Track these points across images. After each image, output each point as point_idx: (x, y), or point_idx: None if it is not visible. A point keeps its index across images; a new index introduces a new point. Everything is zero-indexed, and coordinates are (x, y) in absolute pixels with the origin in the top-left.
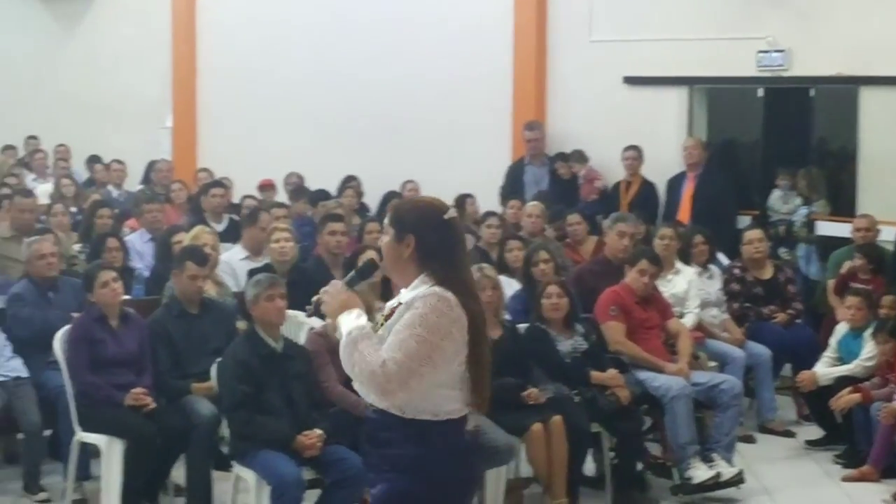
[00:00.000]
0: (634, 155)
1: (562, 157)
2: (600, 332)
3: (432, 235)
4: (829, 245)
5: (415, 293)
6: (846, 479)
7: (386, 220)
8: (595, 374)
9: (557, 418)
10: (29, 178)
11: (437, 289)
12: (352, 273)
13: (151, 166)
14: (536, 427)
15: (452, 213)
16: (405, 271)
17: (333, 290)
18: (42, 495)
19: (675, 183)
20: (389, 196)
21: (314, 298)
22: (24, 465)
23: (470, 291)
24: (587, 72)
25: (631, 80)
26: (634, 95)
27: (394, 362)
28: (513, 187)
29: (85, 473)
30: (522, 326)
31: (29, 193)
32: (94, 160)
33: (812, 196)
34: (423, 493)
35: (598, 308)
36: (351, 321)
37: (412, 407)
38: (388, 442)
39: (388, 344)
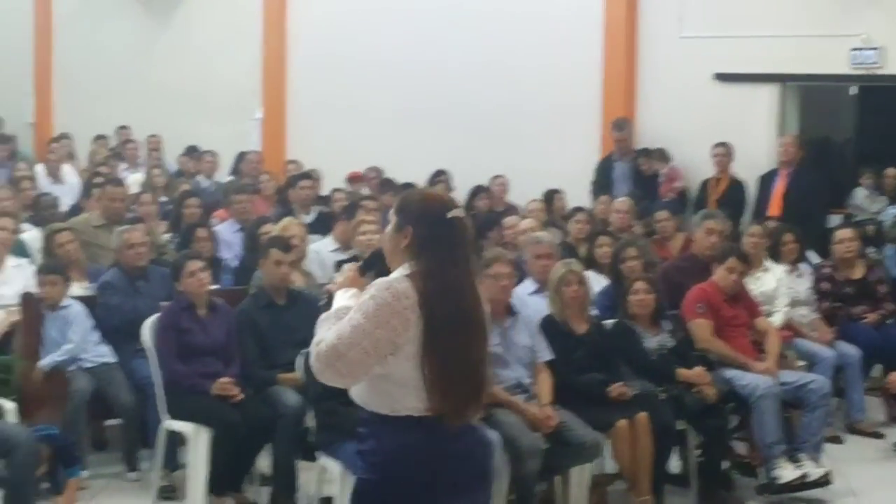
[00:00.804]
0: (724, 152)
1: (645, 153)
2: (687, 329)
3: (430, 231)
4: None
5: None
6: None
7: (392, 209)
8: (681, 372)
9: (643, 415)
10: (120, 168)
11: (394, 278)
12: (364, 260)
13: (241, 157)
14: (622, 423)
15: (458, 212)
16: (400, 262)
17: (344, 273)
18: (133, 475)
19: (767, 180)
20: (477, 190)
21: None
22: (123, 444)
23: (450, 293)
24: (677, 68)
25: (722, 77)
26: (725, 92)
27: (325, 343)
28: (602, 183)
29: (173, 461)
30: (609, 322)
31: (120, 183)
32: (190, 151)
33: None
34: (379, 489)
35: (686, 305)
36: (339, 300)
37: (369, 399)
38: (361, 436)
39: (334, 327)
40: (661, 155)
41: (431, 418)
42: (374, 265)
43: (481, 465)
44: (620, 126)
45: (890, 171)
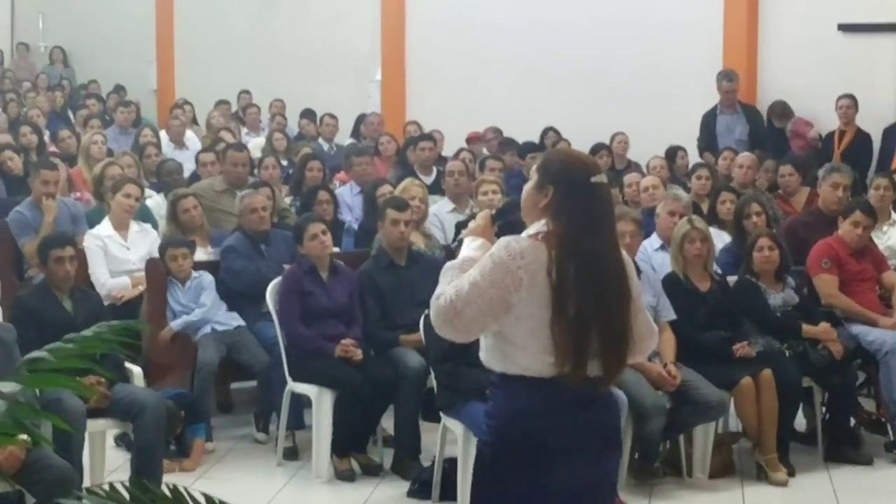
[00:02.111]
0: (848, 104)
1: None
2: (812, 285)
3: (571, 194)
4: None
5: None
6: None
7: (535, 165)
8: (807, 328)
9: (767, 372)
10: (242, 133)
11: (516, 238)
12: (498, 209)
13: (361, 119)
14: (746, 381)
15: (601, 177)
16: (535, 218)
17: (477, 220)
18: (262, 436)
19: (892, 132)
20: (597, 148)
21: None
22: (257, 406)
23: (585, 258)
24: (800, 19)
25: (846, 28)
26: (849, 43)
27: (444, 298)
28: (707, 138)
29: (298, 422)
30: (732, 279)
31: (242, 147)
32: (307, 114)
33: None
34: (496, 451)
35: (811, 260)
36: (465, 249)
37: (488, 357)
38: (487, 398)
39: (455, 281)
40: (782, 110)
41: (551, 381)
42: (506, 215)
43: (609, 433)
44: (729, 77)
45: None
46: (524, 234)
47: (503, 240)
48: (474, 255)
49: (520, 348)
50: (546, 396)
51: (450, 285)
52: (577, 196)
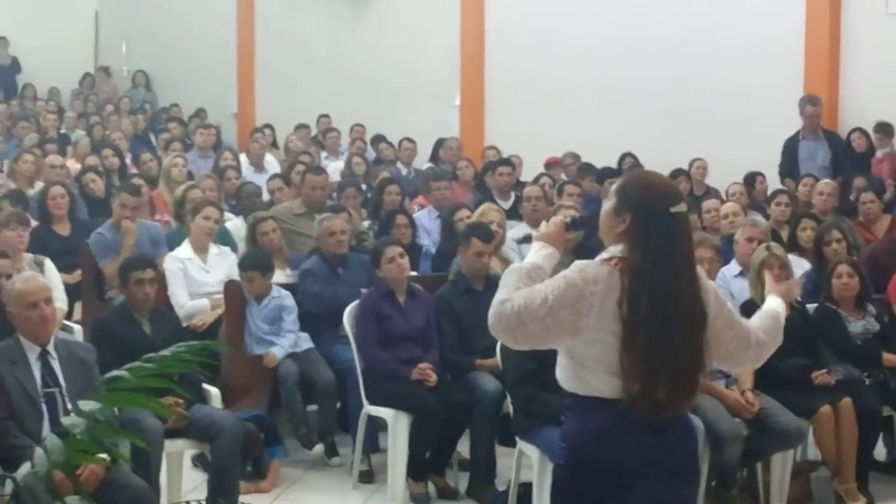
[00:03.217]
0: None
1: (856, 130)
2: (893, 313)
3: (649, 223)
4: None
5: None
6: None
7: (614, 186)
8: (887, 357)
9: (847, 400)
10: (322, 156)
11: (593, 262)
12: (575, 219)
13: (440, 144)
14: (825, 409)
15: (682, 206)
16: (612, 241)
17: (549, 225)
18: (336, 460)
19: None
20: (676, 174)
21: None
22: (320, 421)
23: (659, 289)
24: (883, 45)
25: None
26: None
27: (511, 305)
28: (789, 163)
29: (373, 446)
30: (812, 307)
31: (320, 171)
32: (378, 139)
33: None
34: (570, 473)
35: (892, 288)
36: (533, 254)
37: (562, 377)
38: (563, 420)
39: (524, 289)
40: (887, 129)
41: (624, 403)
42: (580, 228)
43: (684, 458)
44: (813, 101)
45: None
46: (599, 257)
47: (578, 263)
48: (542, 262)
49: (589, 370)
50: (617, 417)
51: (518, 293)
52: (656, 226)
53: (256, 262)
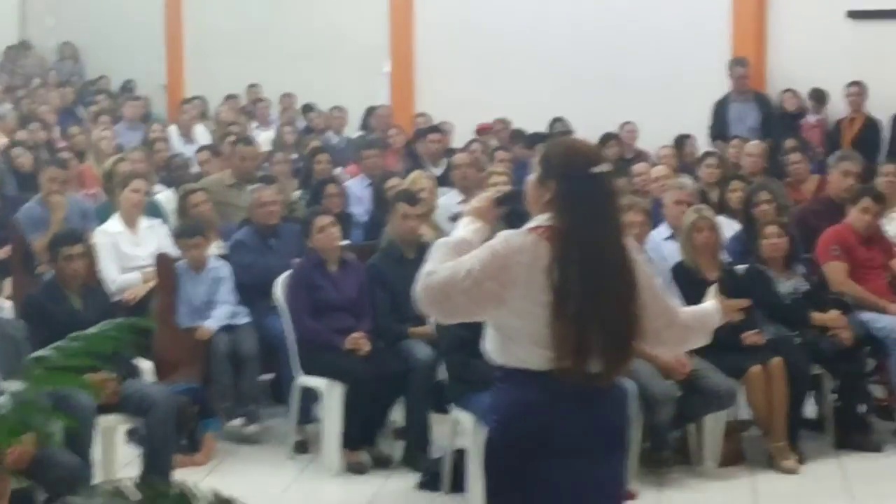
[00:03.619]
0: (857, 91)
1: (788, 90)
2: (822, 272)
3: (573, 187)
4: None
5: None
6: None
7: (537, 157)
8: (816, 316)
9: (777, 360)
10: (251, 126)
11: (519, 231)
12: (503, 192)
13: (370, 112)
14: (756, 369)
15: (604, 166)
16: (539, 212)
17: (479, 201)
18: (252, 427)
19: None
20: (606, 137)
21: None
22: (240, 387)
23: (588, 253)
24: (809, 7)
25: (855, 14)
26: (858, 29)
27: (437, 278)
28: (719, 125)
29: (308, 416)
30: (742, 267)
31: (250, 142)
32: (312, 108)
33: None
34: (499, 444)
35: (820, 248)
36: (461, 229)
37: (490, 348)
38: (491, 391)
39: (450, 262)
40: (820, 96)
41: (552, 374)
42: (510, 202)
43: (613, 431)
44: (741, 63)
45: None
46: (526, 226)
47: (504, 233)
48: (470, 236)
49: (517, 342)
50: (545, 389)
51: (443, 266)
52: (579, 189)
53: (199, 228)
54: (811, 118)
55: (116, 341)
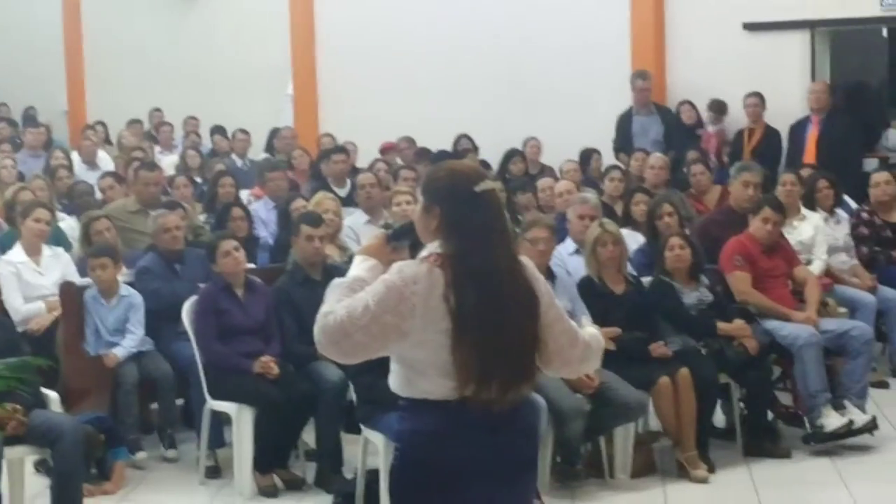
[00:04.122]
0: (756, 102)
1: (685, 102)
2: (726, 282)
3: (458, 210)
4: None
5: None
6: None
7: (420, 186)
8: (722, 325)
9: (685, 371)
10: (155, 151)
11: (410, 262)
12: (394, 230)
13: (274, 134)
14: (664, 381)
15: (487, 185)
16: (431, 241)
17: (371, 239)
18: (172, 453)
19: (799, 128)
20: (511, 154)
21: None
22: (159, 414)
23: (482, 276)
24: (706, 19)
25: (751, 27)
26: (755, 41)
27: (334, 318)
28: (623, 139)
29: (218, 441)
30: (648, 280)
31: (154, 167)
32: (216, 131)
33: None
34: (404, 474)
35: (723, 258)
36: (355, 268)
37: (392, 380)
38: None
39: (346, 300)
40: (719, 107)
41: (456, 403)
42: (403, 237)
43: (520, 456)
44: (643, 76)
45: None
46: (419, 256)
47: (397, 264)
48: (364, 275)
49: (419, 373)
50: (450, 419)
51: (340, 305)
52: (464, 211)
53: (106, 249)
54: (711, 128)
55: (7, 381)
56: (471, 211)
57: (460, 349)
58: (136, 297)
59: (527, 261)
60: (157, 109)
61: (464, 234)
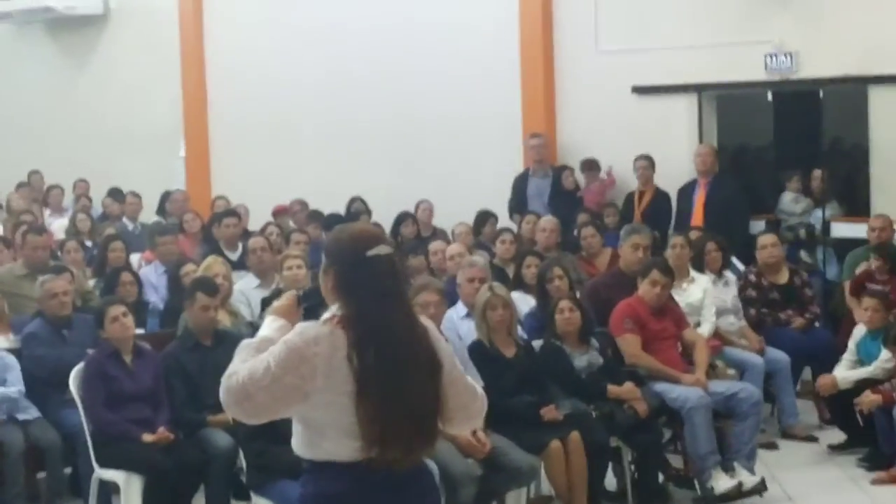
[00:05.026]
0: (646, 164)
1: (565, 168)
2: (616, 345)
3: (352, 272)
4: (846, 247)
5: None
6: (875, 481)
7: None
8: (612, 388)
9: (575, 434)
10: (46, 214)
11: (313, 324)
12: (305, 291)
13: (166, 197)
14: (555, 444)
15: (380, 249)
16: (332, 302)
17: (282, 300)
18: None
19: (687, 191)
20: (402, 217)
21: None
22: (47, 484)
23: (378, 337)
24: (595, 82)
25: (639, 90)
26: (644, 104)
27: (237, 379)
28: (518, 200)
29: None
30: (538, 343)
31: (41, 230)
32: (114, 193)
33: (824, 198)
34: None
35: (613, 321)
36: (265, 329)
37: (295, 443)
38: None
39: (250, 361)
40: (591, 165)
41: (361, 465)
42: (311, 298)
43: None
44: (534, 136)
45: (816, 173)
46: (322, 317)
47: (299, 325)
48: (273, 335)
49: (324, 435)
50: (355, 480)
51: (244, 365)
52: (356, 274)
53: None
54: (592, 186)
55: None
56: (362, 274)
57: (364, 410)
58: (9, 358)
59: (429, 323)
60: (36, 172)
61: (357, 297)
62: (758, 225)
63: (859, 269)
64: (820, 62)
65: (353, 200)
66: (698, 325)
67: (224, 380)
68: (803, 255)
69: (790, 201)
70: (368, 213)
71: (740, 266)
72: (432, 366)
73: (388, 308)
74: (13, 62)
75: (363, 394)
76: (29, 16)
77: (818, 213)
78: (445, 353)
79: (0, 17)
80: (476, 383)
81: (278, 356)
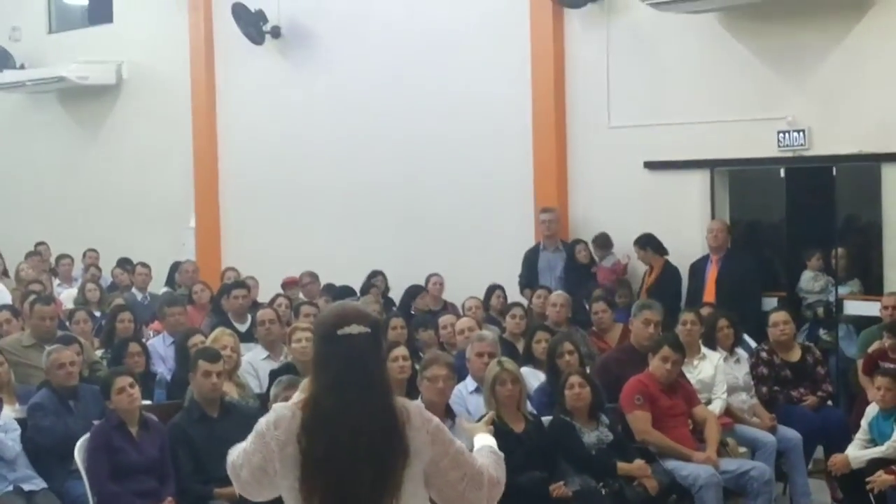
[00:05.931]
0: (636, 248)
1: (579, 242)
2: (626, 421)
3: (323, 349)
4: (866, 325)
5: None
6: None
7: None
8: (621, 465)
9: None
10: (55, 284)
11: (283, 405)
12: None
13: (176, 267)
14: None
15: (352, 328)
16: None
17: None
18: None
19: (699, 267)
20: (412, 290)
21: None
22: None
23: (331, 421)
24: (607, 157)
25: (651, 165)
26: (655, 180)
27: (230, 457)
28: (529, 274)
29: None
30: (547, 419)
31: (49, 300)
32: (123, 263)
33: (845, 276)
34: None
35: (624, 398)
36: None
37: None
38: None
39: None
40: (604, 241)
41: None
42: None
43: None
44: (546, 210)
45: (839, 251)
46: (293, 398)
47: (275, 406)
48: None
49: None
50: None
51: (238, 446)
52: (325, 351)
53: None
54: (608, 263)
55: None
56: (330, 353)
57: (308, 501)
58: (11, 423)
59: (413, 407)
60: (42, 243)
61: (322, 376)
62: (770, 302)
63: (872, 348)
64: (833, 139)
65: (373, 274)
66: (709, 402)
67: (228, 457)
68: (822, 333)
69: (809, 279)
70: (386, 288)
71: (752, 343)
72: (391, 458)
73: (345, 390)
74: (26, 131)
75: (306, 482)
76: (42, 85)
77: (839, 290)
78: (423, 443)
79: (13, 86)
80: (495, 464)
81: (250, 438)
